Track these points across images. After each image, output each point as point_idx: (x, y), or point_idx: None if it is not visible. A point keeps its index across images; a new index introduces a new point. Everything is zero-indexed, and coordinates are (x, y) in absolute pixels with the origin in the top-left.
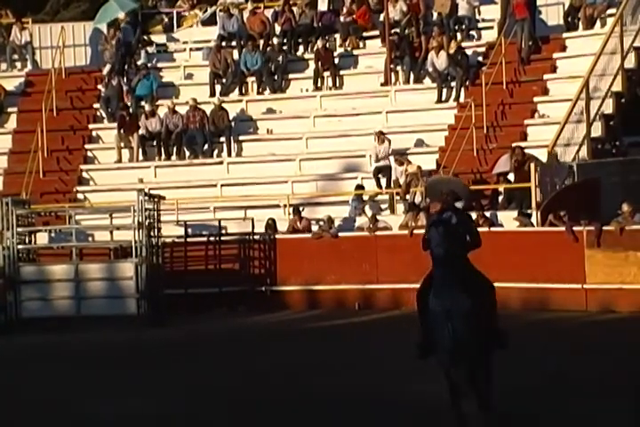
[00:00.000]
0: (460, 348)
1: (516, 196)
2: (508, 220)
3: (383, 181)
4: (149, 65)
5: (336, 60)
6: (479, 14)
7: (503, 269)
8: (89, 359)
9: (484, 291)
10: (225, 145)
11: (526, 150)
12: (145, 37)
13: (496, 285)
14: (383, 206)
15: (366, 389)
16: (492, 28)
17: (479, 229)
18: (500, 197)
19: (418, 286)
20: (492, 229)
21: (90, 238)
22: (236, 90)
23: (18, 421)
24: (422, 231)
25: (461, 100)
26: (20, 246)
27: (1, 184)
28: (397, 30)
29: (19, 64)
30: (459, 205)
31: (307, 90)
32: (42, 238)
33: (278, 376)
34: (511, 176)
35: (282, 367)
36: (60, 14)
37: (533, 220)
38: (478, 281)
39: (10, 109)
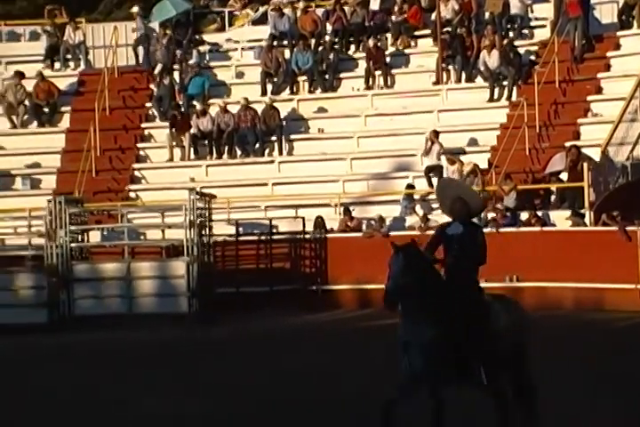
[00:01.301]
0: (415, 381)
1: (569, 195)
2: (561, 219)
3: (434, 181)
4: (201, 64)
5: (387, 59)
6: (532, 13)
7: (556, 268)
8: (140, 358)
9: (463, 319)
10: (276, 144)
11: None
12: (197, 37)
13: (549, 284)
14: (434, 206)
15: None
16: (544, 26)
17: (529, 229)
18: (553, 197)
19: None
20: (545, 228)
21: (141, 237)
22: (288, 89)
23: (75, 420)
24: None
25: (513, 98)
26: (72, 245)
27: (54, 183)
28: (449, 29)
29: (72, 64)
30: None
31: (358, 89)
32: (94, 237)
33: (321, 376)
34: (564, 175)
35: (326, 367)
36: (113, 14)
37: (586, 219)
38: (466, 307)
39: (63, 109)
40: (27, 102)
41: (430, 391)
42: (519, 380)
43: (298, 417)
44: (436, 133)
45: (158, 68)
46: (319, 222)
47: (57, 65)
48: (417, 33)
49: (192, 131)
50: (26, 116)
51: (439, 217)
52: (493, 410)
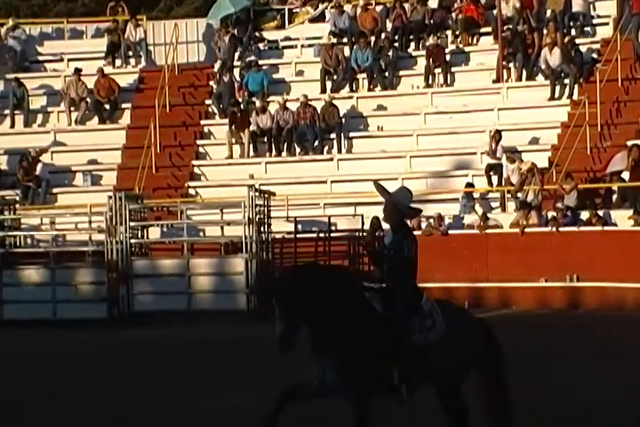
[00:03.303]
0: (322, 394)
1: (630, 194)
2: (622, 219)
3: (494, 179)
4: (261, 62)
5: (447, 57)
6: (594, 10)
7: (617, 268)
8: (200, 353)
9: (377, 335)
10: (335, 142)
11: None
12: (257, 34)
13: (610, 285)
14: (494, 204)
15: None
16: (607, 24)
17: (590, 229)
18: (614, 196)
19: (529, 285)
20: (606, 228)
21: (200, 233)
22: (347, 86)
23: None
24: (534, 230)
25: (575, 97)
26: (132, 241)
27: (115, 179)
28: (510, 26)
29: (133, 61)
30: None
31: (417, 87)
32: (154, 233)
33: None
34: (625, 175)
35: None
36: (173, 11)
37: None
38: (380, 322)
39: (124, 105)
40: (88, 99)
41: (353, 405)
42: (448, 397)
43: None
44: (498, 133)
45: (218, 64)
46: (375, 223)
47: (118, 62)
48: (477, 30)
49: (251, 128)
50: (87, 113)
51: (498, 216)
52: None
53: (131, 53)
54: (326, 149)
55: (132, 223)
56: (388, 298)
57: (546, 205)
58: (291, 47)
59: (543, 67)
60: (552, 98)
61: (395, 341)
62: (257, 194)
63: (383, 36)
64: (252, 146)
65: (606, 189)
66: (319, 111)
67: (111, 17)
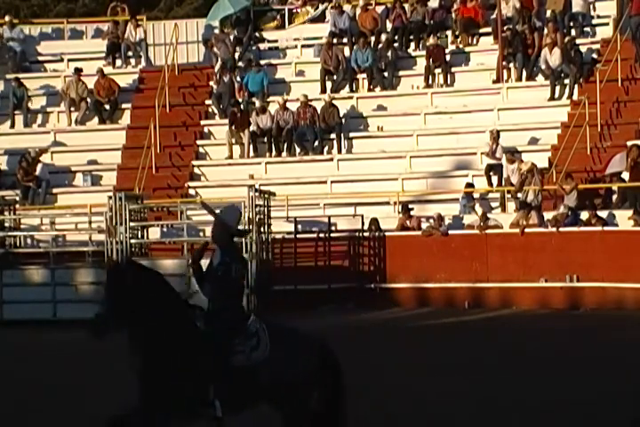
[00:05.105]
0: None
1: (630, 195)
2: (622, 219)
3: (494, 179)
4: (261, 62)
5: (447, 57)
6: (594, 10)
7: (617, 269)
8: None
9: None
10: (335, 142)
11: None
12: (257, 34)
13: (609, 285)
14: (494, 204)
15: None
16: (607, 24)
17: (590, 229)
18: (614, 196)
19: (529, 285)
20: (606, 228)
21: (200, 234)
22: (347, 87)
23: None
24: (534, 230)
25: (575, 97)
26: (132, 241)
27: (115, 179)
28: (510, 27)
29: (133, 61)
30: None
31: (417, 87)
32: (154, 233)
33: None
34: (625, 175)
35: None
36: (173, 11)
37: None
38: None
39: (124, 106)
40: (88, 99)
41: (144, 418)
42: (289, 416)
43: None
44: (497, 133)
45: (218, 65)
46: (374, 223)
47: (118, 62)
48: (477, 31)
49: (251, 128)
50: (87, 113)
51: (499, 216)
52: None
53: (131, 54)
54: (326, 149)
55: (132, 223)
56: (211, 317)
57: (546, 205)
58: (291, 47)
59: (543, 67)
60: (552, 98)
61: (212, 359)
62: (257, 194)
63: (383, 36)
64: (251, 146)
65: (606, 190)
66: (319, 111)
67: (111, 17)
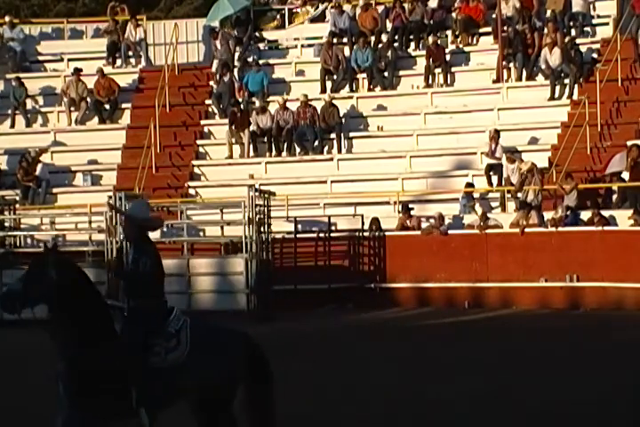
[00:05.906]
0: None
1: (631, 194)
2: (622, 219)
3: (494, 179)
4: (261, 61)
5: (447, 57)
6: (594, 10)
7: (617, 268)
8: None
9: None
10: (335, 141)
11: None
12: (257, 34)
13: (610, 284)
14: (494, 204)
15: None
16: (607, 24)
17: (590, 229)
18: (614, 196)
19: (529, 284)
20: (606, 228)
21: (200, 233)
22: (347, 86)
23: None
24: (534, 230)
25: (575, 97)
26: None
27: (114, 179)
28: (510, 27)
29: (133, 61)
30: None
31: (417, 87)
32: (154, 233)
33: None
34: (625, 175)
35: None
36: (173, 11)
37: None
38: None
39: (124, 105)
40: (88, 99)
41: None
42: (213, 415)
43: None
44: (497, 133)
45: (217, 64)
46: (375, 223)
47: (118, 62)
48: (477, 30)
49: (251, 128)
50: (87, 113)
51: (499, 216)
52: None
53: (131, 53)
54: (326, 149)
55: None
56: (127, 318)
57: (546, 205)
58: (291, 47)
59: (543, 67)
60: (552, 98)
61: (128, 362)
62: (257, 194)
63: (383, 36)
64: (251, 146)
65: (606, 189)
66: (319, 111)
67: (111, 17)
